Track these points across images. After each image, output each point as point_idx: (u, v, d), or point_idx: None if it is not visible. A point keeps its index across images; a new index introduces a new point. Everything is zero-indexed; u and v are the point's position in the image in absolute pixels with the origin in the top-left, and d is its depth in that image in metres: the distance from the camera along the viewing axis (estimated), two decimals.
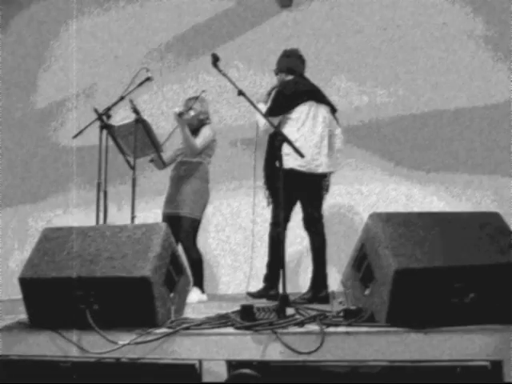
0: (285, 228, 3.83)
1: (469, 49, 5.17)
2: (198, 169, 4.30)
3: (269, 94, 4.14)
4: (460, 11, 5.21)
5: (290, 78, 4.12)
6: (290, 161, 3.71)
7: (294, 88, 4.00)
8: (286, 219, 3.89)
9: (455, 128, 5.12)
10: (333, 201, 5.03)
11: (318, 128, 3.96)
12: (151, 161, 4.29)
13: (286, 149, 3.24)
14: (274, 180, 3.76)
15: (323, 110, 4.04)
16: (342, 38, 5.50)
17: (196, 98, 4.31)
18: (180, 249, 3.94)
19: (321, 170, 3.95)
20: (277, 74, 4.20)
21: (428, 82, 5.24)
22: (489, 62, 5.09)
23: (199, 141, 4.22)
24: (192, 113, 4.27)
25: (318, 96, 4.06)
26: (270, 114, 3.87)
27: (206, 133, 4.30)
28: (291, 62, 4.15)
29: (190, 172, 4.29)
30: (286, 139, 3.01)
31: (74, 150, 5.53)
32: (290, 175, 3.68)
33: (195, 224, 4.25)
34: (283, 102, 3.94)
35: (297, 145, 3.24)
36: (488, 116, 5.03)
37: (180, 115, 4.04)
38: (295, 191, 3.86)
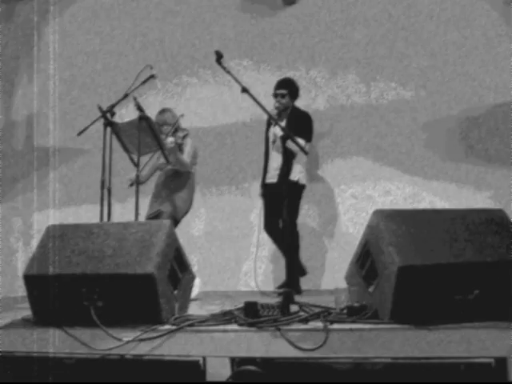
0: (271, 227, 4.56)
1: None
2: (187, 177, 4.38)
3: (279, 114, 4.45)
4: None
5: (294, 104, 4.60)
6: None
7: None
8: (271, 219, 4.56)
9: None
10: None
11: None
12: (131, 185, 4.20)
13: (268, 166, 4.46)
14: None
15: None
16: (348, 31, 5.49)
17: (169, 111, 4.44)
18: None
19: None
20: (291, 98, 4.58)
21: (442, 86, 5.23)
22: None
23: (187, 157, 4.31)
24: (180, 134, 4.36)
25: None
26: (310, 140, 4.48)
27: (189, 145, 4.38)
28: (298, 90, 4.65)
29: (178, 181, 4.36)
30: (289, 136, 3.03)
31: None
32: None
33: (173, 220, 4.17)
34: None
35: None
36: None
37: (178, 145, 4.19)
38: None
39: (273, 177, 4.49)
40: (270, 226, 4.59)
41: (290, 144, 4.03)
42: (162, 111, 4.44)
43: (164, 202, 4.30)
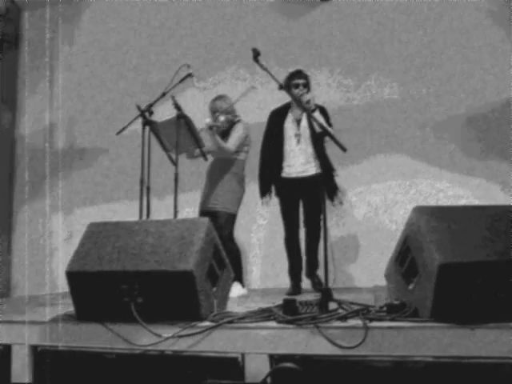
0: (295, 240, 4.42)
1: None
2: (234, 165, 4.35)
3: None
4: None
5: None
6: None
7: None
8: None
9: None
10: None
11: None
12: (211, 128, 4.15)
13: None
14: None
15: None
16: (383, 31, 5.43)
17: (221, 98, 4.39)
18: None
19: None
20: (308, 90, 4.31)
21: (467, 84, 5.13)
22: None
23: (232, 142, 4.26)
24: (222, 118, 4.27)
25: None
26: None
27: (237, 132, 4.31)
28: None
29: (225, 168, 4.34)
30: (327, 133, 3.02)
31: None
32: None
33: (231, 218, 4.29)
34: None
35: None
36: None
37: (211, 128, 4.11)
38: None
39: (299, 171, 4.27)
40: (294, 239, 4.40)
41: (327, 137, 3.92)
42: (215, 98, 4.42)
43: (208, 196, 4.34)
